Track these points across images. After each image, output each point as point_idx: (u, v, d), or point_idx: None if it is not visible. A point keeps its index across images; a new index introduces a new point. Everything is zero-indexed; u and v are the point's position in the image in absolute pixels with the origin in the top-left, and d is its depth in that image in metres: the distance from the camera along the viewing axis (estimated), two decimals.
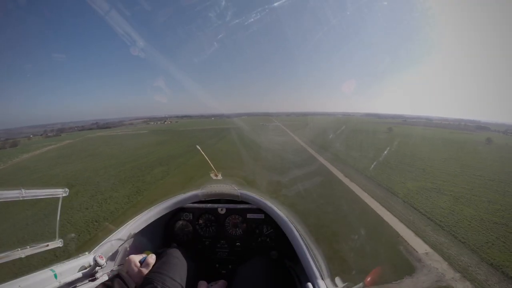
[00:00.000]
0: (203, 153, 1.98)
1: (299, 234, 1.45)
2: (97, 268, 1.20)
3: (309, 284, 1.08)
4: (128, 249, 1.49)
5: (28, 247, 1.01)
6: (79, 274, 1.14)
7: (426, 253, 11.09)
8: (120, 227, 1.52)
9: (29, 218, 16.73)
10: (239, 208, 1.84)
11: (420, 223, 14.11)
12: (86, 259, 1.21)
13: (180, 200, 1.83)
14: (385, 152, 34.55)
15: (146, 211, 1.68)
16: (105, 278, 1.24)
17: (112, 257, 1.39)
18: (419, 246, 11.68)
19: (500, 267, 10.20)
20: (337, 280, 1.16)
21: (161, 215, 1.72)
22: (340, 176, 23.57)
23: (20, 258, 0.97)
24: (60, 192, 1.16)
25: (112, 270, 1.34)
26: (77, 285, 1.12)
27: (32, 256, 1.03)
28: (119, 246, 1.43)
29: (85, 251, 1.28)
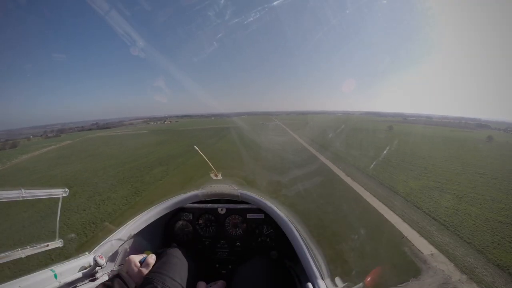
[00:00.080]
0: (201, 153, 1.96)
1: (299, 234, 1.45)
2: (97, 268, 1.21)
3: (309, 284, 1.08)
4: (128, 249, 1.51)
5: (28, 247, 1.01)
6: (79, 274, 1.14)
7: (432, 254, 10.90)
8: (120, 227, 1.53)
9: (25, 220, 16.57)
10: (239, 208, 1.85)
11: (424, 222, 13.91)
12: (86, 259, 1.21)
13: (180, 200, 1.83)
14: (386, 151, 34.41)
15: (146, 211, 1.68)
16: (105, 278, 1.25)
17: (112, 257, 1.40)
18: (424, 247, 11.47)
19: (507, 268, 10.02)
20: (337, 280, 1.16)
21: (161, 215, 1.73)
22: (342, 175, 23.39)
23: (20, 258, 0.97)
24: (60, 192, 1.16)
25: (112, 270, 1.35)
26: (77, 285, 1.13)
27: (32, 256, 1.02)
28: (119, 246, 1.43)
29: (84, 251, 1.28)
